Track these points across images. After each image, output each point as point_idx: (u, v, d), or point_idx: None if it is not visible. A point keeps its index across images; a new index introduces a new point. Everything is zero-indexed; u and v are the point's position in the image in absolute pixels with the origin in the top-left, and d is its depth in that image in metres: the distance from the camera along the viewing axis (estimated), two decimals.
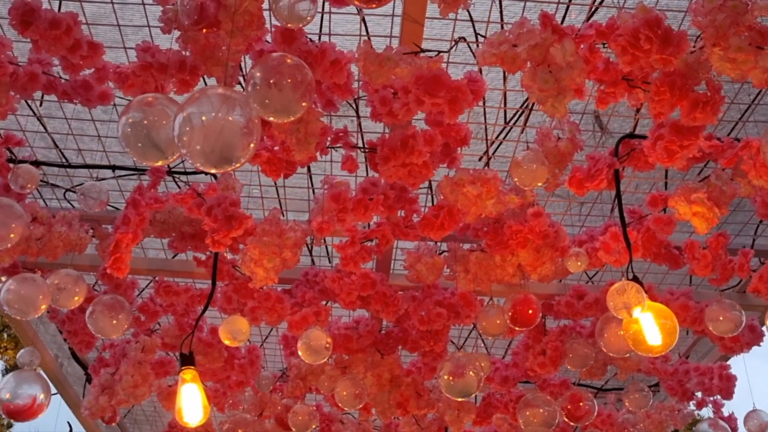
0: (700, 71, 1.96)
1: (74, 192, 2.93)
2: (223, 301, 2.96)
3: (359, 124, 2.65)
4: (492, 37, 1.95)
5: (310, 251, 3.32)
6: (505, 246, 2.68)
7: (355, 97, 2.46)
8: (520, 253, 2.69)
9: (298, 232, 2.59)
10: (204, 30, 1.91)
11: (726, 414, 3.61)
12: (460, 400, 3.26)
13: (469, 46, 2.44)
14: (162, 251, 3.40)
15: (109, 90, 2.31)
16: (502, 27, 2.38)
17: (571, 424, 3.53)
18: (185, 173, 2.93)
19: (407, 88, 2.05)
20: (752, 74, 1.84)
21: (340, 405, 3.22)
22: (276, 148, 2.38)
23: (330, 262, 3.38)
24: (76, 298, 2.65)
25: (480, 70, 2.34)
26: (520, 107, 2.70)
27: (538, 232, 2.63)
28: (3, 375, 8.74)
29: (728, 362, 3.50)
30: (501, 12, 2.36)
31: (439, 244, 2.91)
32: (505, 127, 2.78)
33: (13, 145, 2.66)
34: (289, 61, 1.66)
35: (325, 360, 2.92)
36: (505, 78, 2.58)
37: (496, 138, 2.81)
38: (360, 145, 2.47)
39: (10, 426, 8.44)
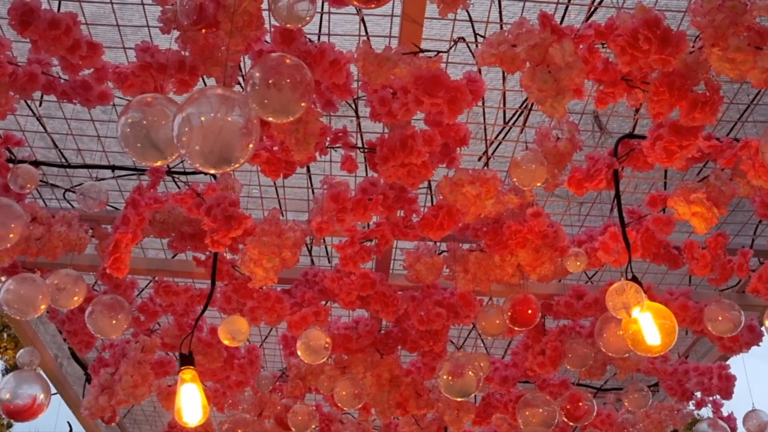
0: (699, 71, 1.96)
1: (74, 192, 2.93)
2: (222, 301, 2.96)
3: (358, 124, 2.65)
4: (491, 37, 1.95)
5: (310, 251, 3.32)
6: (505, 246, 2.68)
7: (355, 97, 2.46)
8: (520, 253, 2.70)
9: (298, 232, 2.59)
10: (203, 30, 1.91)
11: (725, 414, 3.62)
12: (459, 400, 3.27)
13: (468, 47, 2.44)
14: (161, 251, 3.40)
15: (109, 90, 2.31)
16: (501, 27, 2.37)
17: (571, 423, 3.53)
18: (185, 173, 2.93)
19: (406, 89, 2.05)
20: (751, 74, 1.84)
21: (339, 405, 3.23)
22: (275, 148, 2.38)
23: (329, 262, 3.38)
24: (76, 298, 2.65)
25: (479, 70, 2.34)
26: (520, 107, 2.71)
27: (537, 232, 2.63)
28: (3, 375, 8.75)
29: (727, 362, 3.51)
30: (500, 12, 2.36)
31: (438, 244, 2.91)
32: (504, 127, 2.78)
33: (13, 145, 2.66)
34: (288, 61, 1.66)
35: (324, 360, 2.92)
36: (504, 78, 2.58)
37: (496, 138, 2.82)
38: (359, 145, 2.47)
39: (10, 426, 8.44)
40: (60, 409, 4.16)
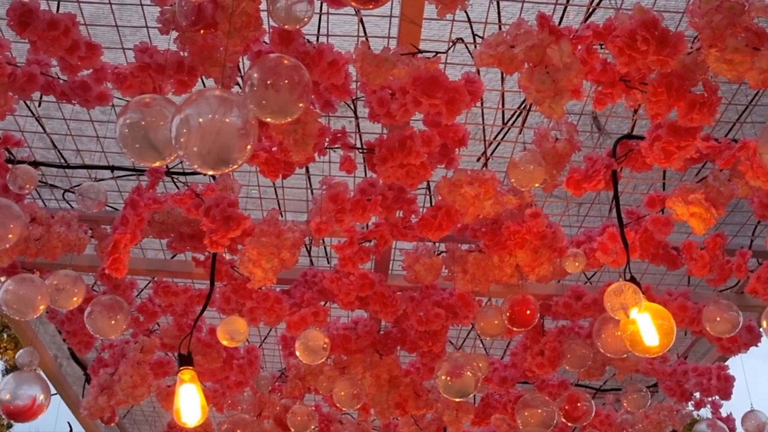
0: (697, 72, 1.96)
1: (73, 192, 2.93)
2: (221, 302, 2.96)
3: (357, 125, 2.65)
4: (489, 38, 1.95)
5: (309, 252, 3.32)
6: (503, 246, 2.68)
7: (353, 98, 2.46)
8: (518, 254, 2.70)
9: (297, 232, 2.59)
10: (202, 31, 1.91)
11: (724, 414, 3.62)
12: (458, 400, 3.27)
13: (467, 47, 2.44)
14: (161, 252, 3.40)
15: (108, 91, 2.32)
16: (499, 28, 2.38)
17: (569, 424, 3.53)
18: (184, 174, 2.93)
19: (405, 89, 2.06)
20: (749, 75, 1.84)
21: (338, 405, 3.23)
22: (274, 148, 2.38)
23: (328, 262, 3.38)
24: (75, 299, 2.65)
25: (477, 71, 2.35)
26: (518, 108, 2.71)
27: (536, 233, 2.63)
28: (3, 375, 8.75)
29: (726, 363, 3.51)
30: (498, 13, 2.36)
31: (437, 244, 2.91)
32: (502, 128, 2.78)
33: (12, 145, 2.66)
34: (286, 62, 1.66)
35: (323, 360, 2.92)
36: (502, 79, 2.58)
37: (494, 139, 2.82)
38: (358, 145, 2.47)
39: (10, 426, 8.44)
40: (60, 409, 4.17)
